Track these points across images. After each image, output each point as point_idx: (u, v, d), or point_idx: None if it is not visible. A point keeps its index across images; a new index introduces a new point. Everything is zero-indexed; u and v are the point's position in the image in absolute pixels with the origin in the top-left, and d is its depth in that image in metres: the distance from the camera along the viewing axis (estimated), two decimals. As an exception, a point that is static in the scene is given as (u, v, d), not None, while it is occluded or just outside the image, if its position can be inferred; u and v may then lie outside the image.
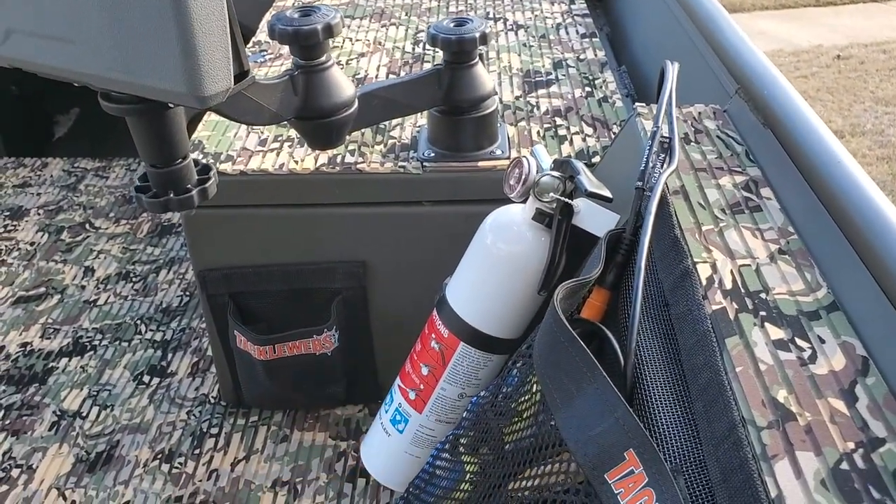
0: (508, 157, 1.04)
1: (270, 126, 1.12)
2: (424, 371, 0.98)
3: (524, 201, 0.89)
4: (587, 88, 1.23)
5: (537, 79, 1.27)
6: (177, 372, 1.37)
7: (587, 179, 0.80)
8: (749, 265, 0.65)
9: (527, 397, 0.74)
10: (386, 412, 1.04)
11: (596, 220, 0.86)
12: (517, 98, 1.21)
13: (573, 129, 1.11)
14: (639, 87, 1.32)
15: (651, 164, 0.77)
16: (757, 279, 0.64)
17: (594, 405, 0.56)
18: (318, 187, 1.04)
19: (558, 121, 1.14)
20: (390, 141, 1.09)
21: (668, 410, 0.57)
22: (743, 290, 0.62)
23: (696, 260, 0.65)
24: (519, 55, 1.36)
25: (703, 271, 0.64)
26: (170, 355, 1.41)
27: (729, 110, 0.92)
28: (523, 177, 0.85)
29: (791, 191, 0.74)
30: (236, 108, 0.75)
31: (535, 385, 0.72)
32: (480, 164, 1.04)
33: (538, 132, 1.11)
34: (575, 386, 0.59)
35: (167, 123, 0.76)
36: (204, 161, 0.84)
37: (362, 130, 1.12)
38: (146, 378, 1.36)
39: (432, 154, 1.05)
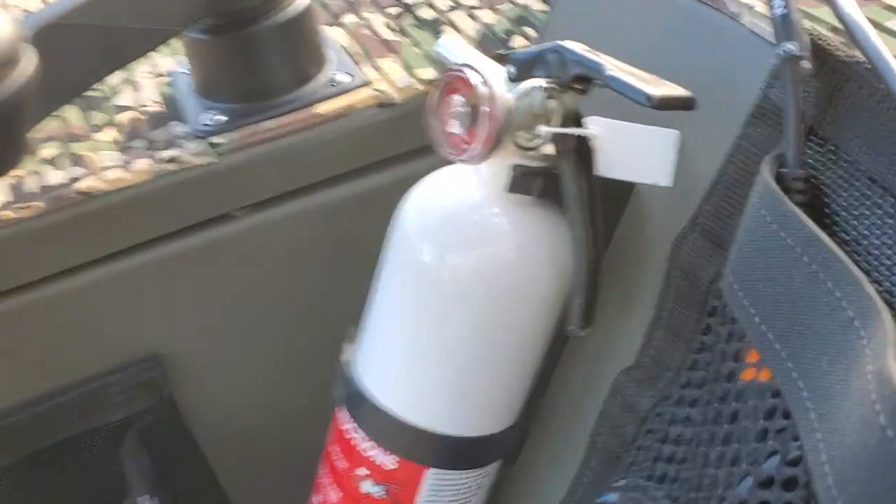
0: (366, 83, 0.55)
1: None
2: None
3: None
4: None
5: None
6: None
7: (628, 76, 0.35)
8: None
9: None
10: None
11: (637, 154, 0.42)
12: None
13: (447, 2, 0.63)
14: None
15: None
16: None
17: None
18: (17, 254, 0.50)
19: (407, -2, 0.64)
20: (120, 118, 0.55)
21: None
22: None
23: None
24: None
25: None
26: None
27: None
28: (482, 110, 0.38)
29: None
30: None
31: None
32: (319, 109, 0.53)
33: (388, 25, 0.61)
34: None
35: None
36: None
37: (59, 110, 0.57)
38: None
39: (221, 118, 0.53)
